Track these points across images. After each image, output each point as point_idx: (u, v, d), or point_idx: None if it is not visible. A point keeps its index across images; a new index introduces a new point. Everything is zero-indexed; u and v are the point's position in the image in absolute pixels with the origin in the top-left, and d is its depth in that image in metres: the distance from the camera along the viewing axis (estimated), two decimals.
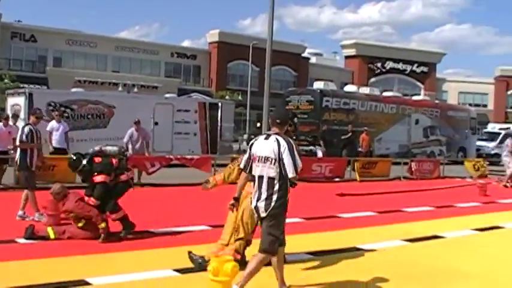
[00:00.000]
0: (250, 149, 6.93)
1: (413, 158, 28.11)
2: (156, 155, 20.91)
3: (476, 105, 79.80)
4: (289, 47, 70.75)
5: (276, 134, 6.79)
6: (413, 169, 25.64)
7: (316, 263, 8.79)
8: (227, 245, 8.06)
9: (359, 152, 28.51)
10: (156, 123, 26.02)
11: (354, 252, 9.74)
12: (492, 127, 50.37)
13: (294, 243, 8.74)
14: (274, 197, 6.66)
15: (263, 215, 6.75)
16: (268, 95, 29.01)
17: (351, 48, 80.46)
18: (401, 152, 34.23)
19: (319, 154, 26.79)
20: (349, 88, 36.12)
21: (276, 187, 6.66)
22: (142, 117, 20.66)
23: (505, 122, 60.70)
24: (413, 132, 36.62)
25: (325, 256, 9.22)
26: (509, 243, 11.61)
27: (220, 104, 29.36)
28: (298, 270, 8.29)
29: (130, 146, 18.91)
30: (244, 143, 45.25)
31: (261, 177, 6.76)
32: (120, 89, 53.05)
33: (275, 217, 6.74)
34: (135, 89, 53.10)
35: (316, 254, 9.33)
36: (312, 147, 29.82)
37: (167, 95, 30.55)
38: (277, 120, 6.92)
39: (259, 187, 6.77)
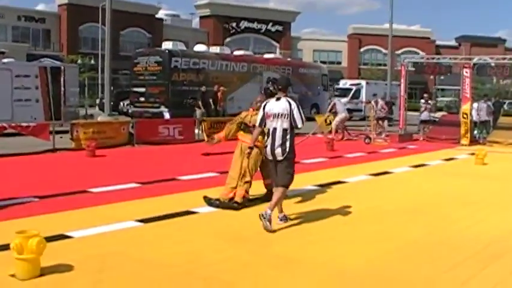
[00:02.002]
0: (263, 109, 8.76)
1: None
2: None
3: (331, 62, 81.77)
4: (142, 8, 69.28)
5: (284, 96, 8.70)
6: None
7: None
8: (235, 187, 9.97)
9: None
10: None
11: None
12: (343, 83, 51.33)
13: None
14: (287, 144, 8.59)
15: (280, 158, 8.64)
16: (109, 58, 27.77)
17: (205, 8, 79.68)
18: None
19: (167, 116, 26.17)
20: (199, 48, 35.50)
21: (288, 136, 8.58)
22: None
23: (358, 78, 62.18)
24: None
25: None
26: (352, 196, 11.54)
27: (63, 68, 27.81)
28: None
29: None
30: (97, 107, 43.72)
31: (275, 129, 8.59)
32: None
33: (289, 159, 8.70)
34: None
35: None
36: (162, 109, 29.23)
37: (4, 60, 28.71)
38: (280, 87, 8.90)
39: (273, 137, 8.61)
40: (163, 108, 29.91)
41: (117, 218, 8.82)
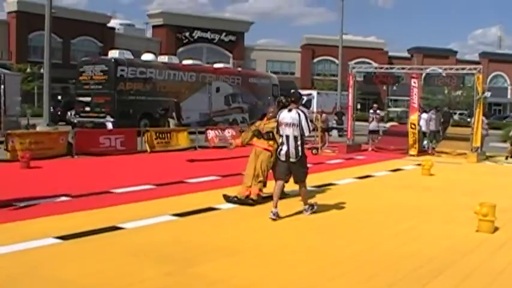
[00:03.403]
0: (278, 118, 10.36)
1: (210, 127, 27.36)
2: None
3: (284, 73, 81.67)
4: (93, 17, 68.19)
5: (296, 108, 10.19)
6: (209, 138, 25.04)
7: None
8: (250, 186, 11.43)
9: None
10: None
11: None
12: None
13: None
14: (300, 148, 10.14)
15: (293, 160, 10.15)
16: (48, 66, 26.73)
17: (158, 17, 78.87)
18: (203, 120, 33.55)
19: (109, 126, 25.46)
20: (147, 57, 34.71)
21: (299, 142, 10.12)
22: None
23: (311, 89, 62.04)
24: (214, 100, 36.14)
25: None
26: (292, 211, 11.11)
27: (2, 76, 26.75)
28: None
29: None
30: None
31: (288, 136, 10.11)
32: None
33: (302, 160, 10.32)
34: None
35: None
36: (106, 119, 28.53)
37: None
38: (293, 99, 10.38)
39: (288, 142, 10.11)
40: (108, 118, 29.17)
41: (33, 235, 8.19)
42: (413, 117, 24.46)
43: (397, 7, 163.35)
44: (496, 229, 9.57)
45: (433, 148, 25.17)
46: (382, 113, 45.91)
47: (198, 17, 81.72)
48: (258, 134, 11.69)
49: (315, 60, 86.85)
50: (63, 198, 11.43)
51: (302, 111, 10.22)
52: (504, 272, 7.40)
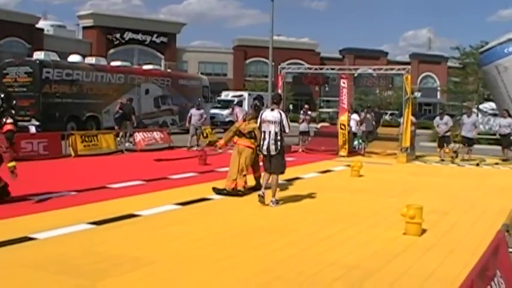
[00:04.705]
0: (260, 116, 11.90)
1: (137, 129, 26.66)
2: None
3: (216, 74, 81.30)
4: (20, 18, 66.25)
5: (277, 108, 11.84)
6: (136, 141, 24.43)
7: None
8: (235, 179, 12.89)
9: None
10: None
11: None
12: (225, 95, 50.72)
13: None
14: (278, 143, 11.65)
15: (273, 153, 11.65)
16: None
17: (88, 18, 77.25)
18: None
19: (32, 130, 24.55)
20: (73, 58, 33.67)
21: (279, 137, 11.62)
22: None
23: (243, 90, 61.83)
24: (143, 102, 35.44)
25: None
26: (210, 217, 10.71)
27: None
28: None
29: None
30: None
31: (269, 132, 11.62)
32: None
33: (281, 154, 11.77)
34: None
35: None
36: (31, 123, 27.55)
37: None
38: (275, 100, 12.18)
39: (269, 138, 11.64)
40: (34, 122, 28.18)
41: None
42: (343, 118, 24.31)
43: (330, 9, 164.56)
44: (424, 231, 9.37)
45: (364, 148, 25.12)
46: (314, 114, 46.04)
47: (129, 18, 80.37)
48: (239, 134, 13.35)
49: (247, 61, 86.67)
50: None
51: (283, 111, 12.31)
52: (431, 276, 7.16)
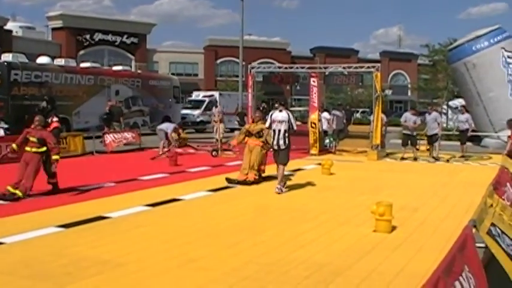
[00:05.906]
0: (270, 117, 13.78)
1: (107, 131, 26.43)
2: None
3: (187, 74, 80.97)
4: None
5: (285, 109, 13.94)
6: (107, 142, 24.20)
7: None
8: (247, 174, 14.81)
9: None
10: None
11: None
12: (196, 95, 50.53)
13: None
14: (286, 140, 13.61)
15: (283, 147, 13.61)
16: None
17: (57, 19, 76.41)
18: (103, 125, 32.55)
19: (0, 133, 24.25)
20: (42, 60, 33.34)
21: (286, 135, 13.56)
22: None
23: (214, 90, 61.63)
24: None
25: None
26: (185, 216, 10.66)
27: None
28: None
29: None
30: None
31: (279, 130, 13.56)
32: None
33: (287, 148, 13.78)
34: None
35: None
36: (0, 126, 27.18)
37: None
38: (282, 102, 14.21)
39: (278, 136, 13.58)
40: (2, 125, 27.82)
41: None
42: (313, 116, 24.35)
43: (301, 8, 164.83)
44: (394, 228, 9.41)
45: (335, 147, 25.17)
46: None
47: (99, 19, 79.62)
48: (249, 134, 15.44)
49: (218, 61, 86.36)
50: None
51: (290, 111, 14.75)
52: (401, 273, 7.18)
